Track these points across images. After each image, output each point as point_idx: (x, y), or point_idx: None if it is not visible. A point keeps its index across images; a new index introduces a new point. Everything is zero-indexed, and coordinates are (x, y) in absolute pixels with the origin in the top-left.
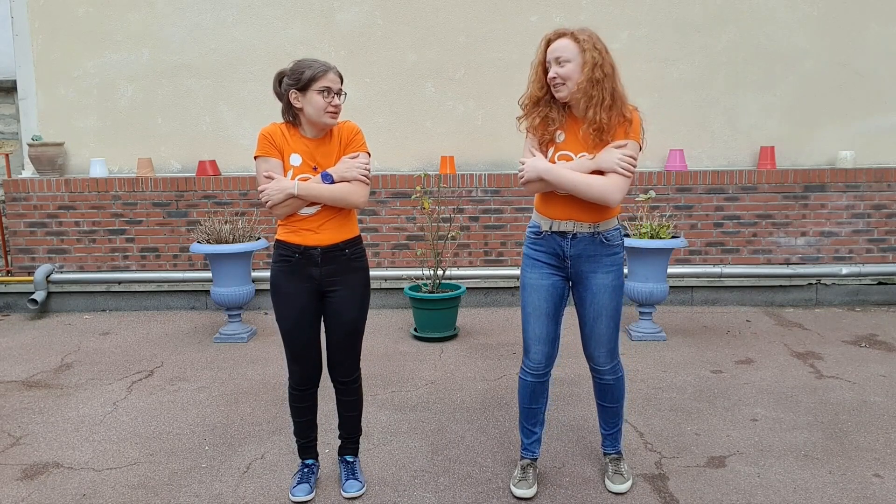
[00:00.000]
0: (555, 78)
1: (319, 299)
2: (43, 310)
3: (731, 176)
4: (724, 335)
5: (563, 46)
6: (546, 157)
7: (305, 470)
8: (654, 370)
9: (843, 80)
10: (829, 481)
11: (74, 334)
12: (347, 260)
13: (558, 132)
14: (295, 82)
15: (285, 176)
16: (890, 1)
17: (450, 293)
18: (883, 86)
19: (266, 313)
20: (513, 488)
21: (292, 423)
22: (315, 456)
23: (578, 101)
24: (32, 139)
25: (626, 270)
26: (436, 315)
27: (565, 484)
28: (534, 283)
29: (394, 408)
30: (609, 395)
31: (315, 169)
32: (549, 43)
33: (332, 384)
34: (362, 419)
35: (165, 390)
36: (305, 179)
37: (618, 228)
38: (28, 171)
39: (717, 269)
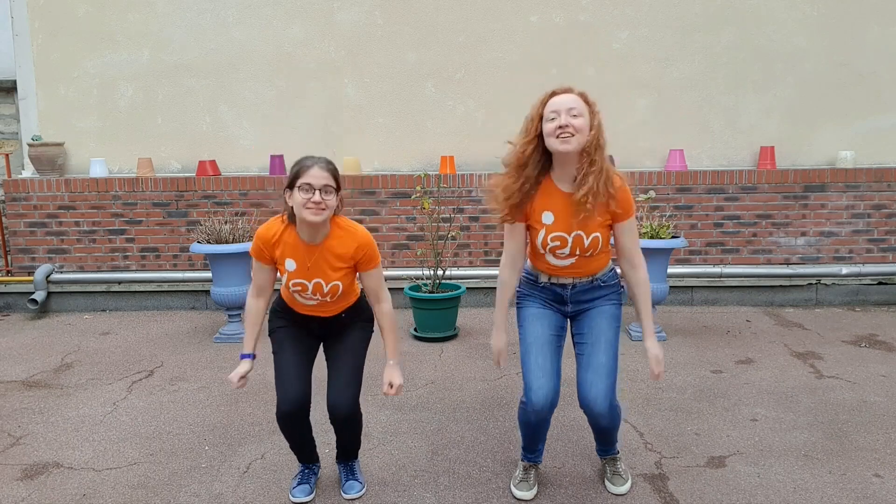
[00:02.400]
0: (567, 127)
1: (318, 340)
2: (43, 310)
3: (731, 176)
4: (724, 335)
5: (574, 100)
6: (537, 240)
7: (306, 471)
8: None
9: (843, 80)
10: (829, 481)
11: (74, 334)
12: (346, 320)
13: (545, 213)
14: (289, 181)
15: (282, 275)
16: (890, 1)
17: (450, 293)
18: (883, 86)
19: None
20: (513, 489)
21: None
22: (315, 460)
23: (571, 167)
24: (32, 139)
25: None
26: (436, 315)
27: (565, 484)
28: (534, 313)
29: (394, 408)
30: (605, 433)
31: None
32: (552, 95)
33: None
34: (363, 417)
35: (165, 390)
36: (299, 285)
37: (612, 269)
38: (28, 171)
39: (717, 269)
